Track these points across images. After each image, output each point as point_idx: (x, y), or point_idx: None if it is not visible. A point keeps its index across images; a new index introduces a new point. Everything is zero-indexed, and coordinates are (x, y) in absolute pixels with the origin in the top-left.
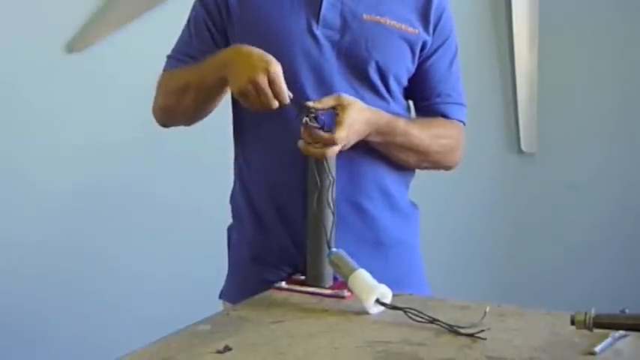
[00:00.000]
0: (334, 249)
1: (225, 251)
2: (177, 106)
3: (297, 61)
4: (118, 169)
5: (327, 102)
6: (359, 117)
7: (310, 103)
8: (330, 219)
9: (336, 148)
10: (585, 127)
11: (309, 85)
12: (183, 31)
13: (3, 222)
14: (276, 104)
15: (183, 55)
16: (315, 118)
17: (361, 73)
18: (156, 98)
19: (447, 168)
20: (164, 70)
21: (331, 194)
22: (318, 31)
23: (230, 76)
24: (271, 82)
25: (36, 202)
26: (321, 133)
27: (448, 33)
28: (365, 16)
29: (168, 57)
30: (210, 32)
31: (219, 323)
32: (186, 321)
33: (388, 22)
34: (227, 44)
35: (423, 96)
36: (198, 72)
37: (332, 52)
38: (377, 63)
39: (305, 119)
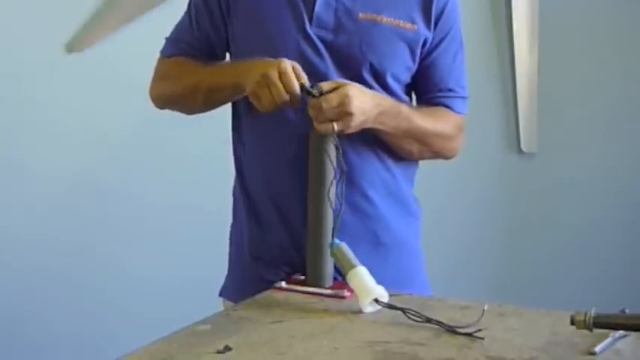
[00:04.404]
0: (337, 241)
1: (225, 249)
2: (183, 102)
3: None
4: (118, 168)
5: (328, 85)
6: (361, 95)
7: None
8: (331, 215)
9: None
10: (585, 127)
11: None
12: (185, 15)
13: (2, 221)
14: (287, 96)
15: (182, 42)
16: (317, 92)
17: (355, 74)
18: (155, 83)
19: (447, 157)
20: (162, 53)
21: (334, 189)
22: (311, 31)
23: (245, 80)
24: (282, 74)
25: (35, 201)
26: (327, 96)
27: (451, 26)
28: (360, 15)
29: (168, 40)
30: (209, 26)
31: (219, 323)
32: (187, 321)
33: (385, 19)
34: (225, 39)
35: (426, 90)
36: (212, 76)
37: (326, 53)
38: (371, 64)
39: (301, 83)
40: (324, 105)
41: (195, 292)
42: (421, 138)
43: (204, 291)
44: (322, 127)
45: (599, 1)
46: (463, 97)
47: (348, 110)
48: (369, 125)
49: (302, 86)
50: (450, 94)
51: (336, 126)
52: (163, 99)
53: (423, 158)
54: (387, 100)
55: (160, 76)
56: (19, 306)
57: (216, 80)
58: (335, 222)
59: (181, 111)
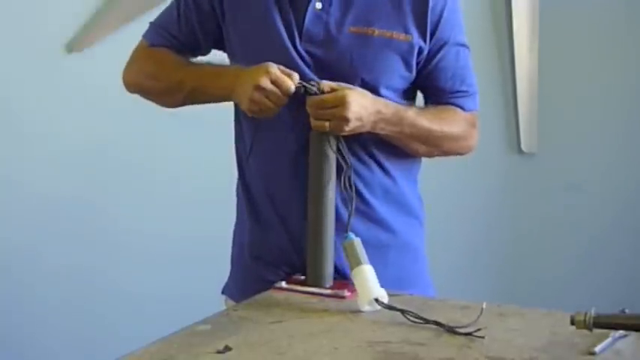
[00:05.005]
0: (352, 235)
1: (227, 250)
2: (161, 97)
3: None
4: (119, 169)
5: (328, 84)
6: (361, 99)
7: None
8: (331, 215)
9: (343, 125)
10: (585, 127)
11: (294, 101)
12: (173, 4)
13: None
14: (285, 100)
15: (167, 32)
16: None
17: None
18: (133, 69)
19: (461, 154)
20: (145, 39)
21: (334, 189)
22: (301, 47)
23: (234, 94)
24: (275, 82)
25: (34, 205)
26: (324, 95)
27: (450, 33)
28: (351, 29)
29: (152, 25)
30: (196, 23)
31: (219, 323)
32: (187, 321)
33: (377, 32)
34: (211, 37)
35: (433, 94)
36: (197, 79)
37: (315, 69)
38: (363, 80)
39: (299, 82)
40: (320, 104)
41: (198, 304)
42: (427, 141)
43: (208, 300)
44: (317, 124)
45: (599, 1)
46: (472, 94)
47: (344, 114)
48: (365, 130)
49: (300, 85)
50: (458, 94)
51: (328, 125)
52: (138, 88)
53: (432, 157)
54: (389, 107)
55: (139, 64)
56: (19, 330)
57: (200, 85)
58: (349, 214)
59: (155, 103)
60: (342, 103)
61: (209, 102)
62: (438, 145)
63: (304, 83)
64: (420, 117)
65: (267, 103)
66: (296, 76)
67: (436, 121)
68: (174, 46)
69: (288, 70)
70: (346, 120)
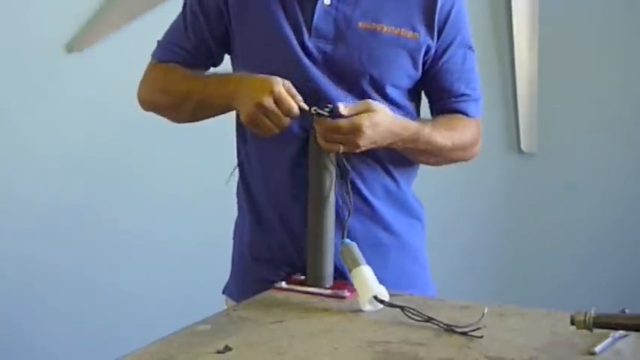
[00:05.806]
0: (347, 240)
1: (227, 251)
2: (171, 112)
3: (290, 75)
4: (119, 170)
5: (357, 109)
6: (383, 120)
7: (341, 107)
8: (331, 216)
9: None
10: (585, 127)
11: (302, 98)
12: (179, 19)
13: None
14: (288, 121)
15: (176, 46)
16: (329, 111)
17: (355, 85)
18: (144, 87)
19: (464, 161)
20: (154, 57)
21: (334, 191)
22: (309, 42)
23: (236, 103)
24: (278, 102)
25: (34, 206)
26: (339, 121)
27: (456, 33)
28: (360, 25)
29: (160, 43)
30: (206, 30)
31: (219, 323)
32: (187, 321)
33: (385, 28)
34: (222, 42)
35: (439, 97)
36: (201, 91)
37: (324, 64)
38: (371, 76)
39: (314, 108)
40: (335, 129)
41: (198, 305)
42: (439, 154)
43: (208, 300)
44: (327, 146)
45: (599, 1)
46: (476, 100)
47: (357, 142)
48: (378, 146)
49: (315, 112)
50: (463, 98)
51: (340, 148)
52: (153, 105)
53: (439, 165)
54: (409, 129)
55: (149, 80)
56: (19, 330)
57: (205, 95)
58: (345, 220)
59: (168, 119)
60: (357, 131)
61: (216, 114)
62: (447, 157)
63: (319, 110)
64: (434, 133)
65: (266, 123)
66: (299, 98)
67: (448, 134)
68: (185, 60)
69: (294, 91)
70: (358, 147)
